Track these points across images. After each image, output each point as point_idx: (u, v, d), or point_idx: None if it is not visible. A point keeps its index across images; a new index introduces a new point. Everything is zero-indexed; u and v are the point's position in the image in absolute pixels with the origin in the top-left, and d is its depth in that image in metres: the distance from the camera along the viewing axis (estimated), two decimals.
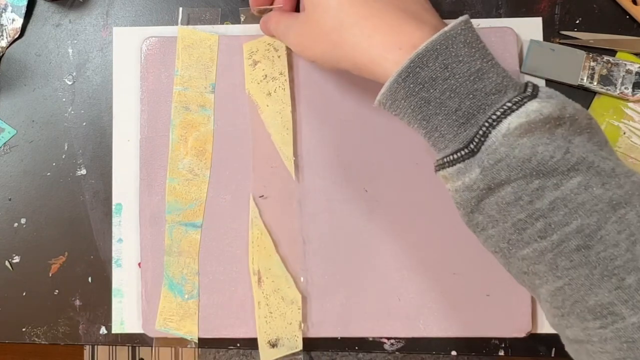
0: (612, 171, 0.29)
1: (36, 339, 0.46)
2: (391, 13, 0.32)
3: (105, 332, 0.46)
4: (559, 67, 0.45)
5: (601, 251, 0.28)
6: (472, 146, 0.30)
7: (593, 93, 0.45)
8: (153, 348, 0.54)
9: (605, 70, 0.44)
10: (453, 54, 0.30)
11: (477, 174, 0.29)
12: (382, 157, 0.45)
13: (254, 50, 0.46)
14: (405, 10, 0.33)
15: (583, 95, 0.45)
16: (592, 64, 0.45)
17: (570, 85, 0.45)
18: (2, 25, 0.48)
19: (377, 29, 0.32)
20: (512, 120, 0.28)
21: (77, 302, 0.46)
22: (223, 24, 0.47)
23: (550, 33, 0.46)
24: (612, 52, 0.45)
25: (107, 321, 0.46)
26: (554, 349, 0.45)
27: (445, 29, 0.30)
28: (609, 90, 0.44)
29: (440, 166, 0.32)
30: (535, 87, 0.30)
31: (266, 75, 0.46)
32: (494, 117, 0.29)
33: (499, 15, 0.47)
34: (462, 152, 0.30)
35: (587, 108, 0.45)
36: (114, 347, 1.17)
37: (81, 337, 0.46)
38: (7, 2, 0.48)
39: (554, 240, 0.29)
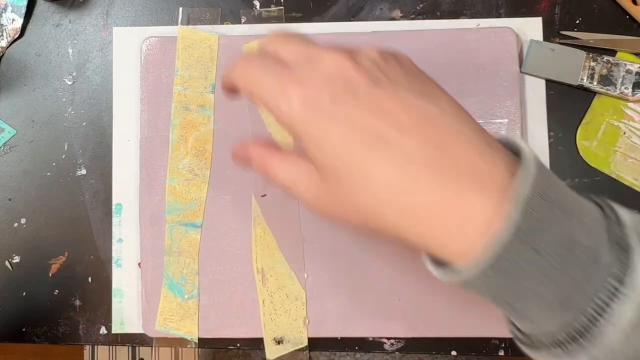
0: None
1: (36, 339, 0.46)
2: (436, 178, 0.24)
3: (105, 332, 0.46)
4: (559, 67, 0.45)
5: None
6: (573, 334, 0.24)
7: (593, 93, 0.45)
8: (153, 348, 0.54)
9: (605, 70, 0.44)
10: (544, 228, 0.23)
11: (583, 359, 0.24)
12: None
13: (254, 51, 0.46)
14: (454, 167, 0.24)
15: (583, 95, 0.45)
16: (592, 64, 0.45)
17: (570, 85, 0.45)
18: (2, 25, 0.48)
19: (422, 207, 0.24)
20: (624, 310, 0.22)
21: (77, 302, 0.46)
22: (223, 24, 0.47)
23: (550, 33, 0.46)
24: (612, 52, 0.45)
25: (107, 321, 0.46)
26: None
27: (524, 194, 0.22)
28: (609, 90, 0.44)
29: (528, 345, 0.27)
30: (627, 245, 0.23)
31: None
32: (598, 302, 0.23)
33: (499, 15, 0.46)
34: (561, 337, 0.24)
35: (587, 108, 0.45)
36: (114, 347, 1.17)
37: (81, 337, 0.46)
38: (7, 2, 0.48)
39: None
